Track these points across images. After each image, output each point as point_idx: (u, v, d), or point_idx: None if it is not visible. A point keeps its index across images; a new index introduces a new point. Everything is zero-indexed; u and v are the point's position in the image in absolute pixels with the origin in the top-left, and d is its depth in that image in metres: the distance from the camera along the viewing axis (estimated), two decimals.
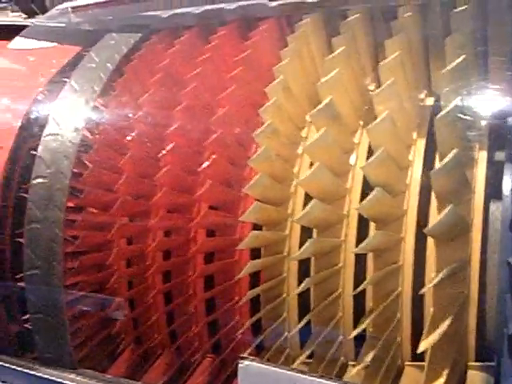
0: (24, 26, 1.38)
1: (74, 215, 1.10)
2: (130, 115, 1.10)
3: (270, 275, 1.02)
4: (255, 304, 1.06)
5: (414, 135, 1.02)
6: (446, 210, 0.86)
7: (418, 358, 0.99)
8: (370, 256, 0.99)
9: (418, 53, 1.09)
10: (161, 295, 1.09)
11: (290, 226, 1.02)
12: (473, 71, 0.97)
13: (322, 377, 0.84)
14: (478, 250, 0.91)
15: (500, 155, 0.97)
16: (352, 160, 1.02)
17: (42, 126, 1.16)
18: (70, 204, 1.10)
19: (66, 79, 1.21)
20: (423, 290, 0.91)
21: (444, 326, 0.87)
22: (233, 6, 1.18)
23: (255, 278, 1.05)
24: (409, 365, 1.01)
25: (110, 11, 1.30)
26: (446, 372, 0.90)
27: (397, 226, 0.97)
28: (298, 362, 0.96)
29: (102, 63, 1.19)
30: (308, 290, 1.01)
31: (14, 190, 1.20)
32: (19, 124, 1.21)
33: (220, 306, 1.06)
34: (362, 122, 1.06)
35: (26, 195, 1.15)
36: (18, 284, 1.17)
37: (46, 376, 1.10)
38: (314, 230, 1.01)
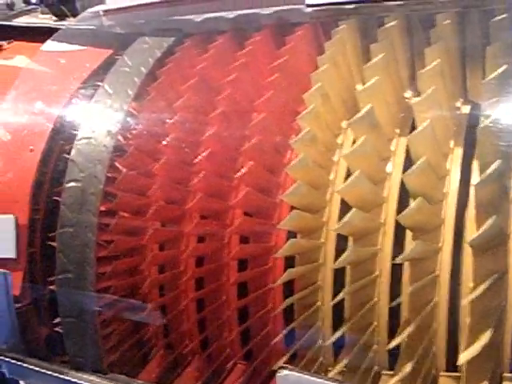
0: (54, 29, 1.39)
1: (107, 219, 1.09)
2: (165, 120, 1.09)
3: (304, 283, 1.01)
4: (288, 311, 1.05)
5: (452, 144, 1.02)
6: (488, 222, 0.85)
7: (452, 368, 0.98)
8: (405, 265, 0.98)
9: (455, 61, 1.08)
10: (193, 301, 1.08)
11: (326, 234, 1.01)
12: None
13: None
14: None
15: None
16: (389, 168, 1.01)
17: (75, 130, 1.16)
18: (103, 208, 1.09)
19: (98, 83, 1.21)
20: (465, 302, 0.90)
21: (485, 338, 0.86)
22: (267, 11, 1.17)
23: (288, 286, 1.05)
24: (444, 375, 1.00)
25: (142, 15, 1.29)
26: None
27: (434, 236, 0.96)
28: (334, 371, 0.95)
29: (136, 67, 1.18)
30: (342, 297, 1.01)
31: (46, 192, 1.20)
32: (51, 127, 1.21)
33: (253, 313, 1.05)
34: (398, 130, 1.05)
35: (58, 198, 1.15)
36: (49, 287, 1.17)
37: (76, 380, 1.10)
38: (350, 238, 1.01)
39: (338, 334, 0.96)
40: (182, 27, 1.26)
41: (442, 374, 1.00)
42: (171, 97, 1.13)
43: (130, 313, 1.12)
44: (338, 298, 0.95)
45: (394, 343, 0.91)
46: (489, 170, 0.86)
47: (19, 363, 1.15)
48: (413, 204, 0.90)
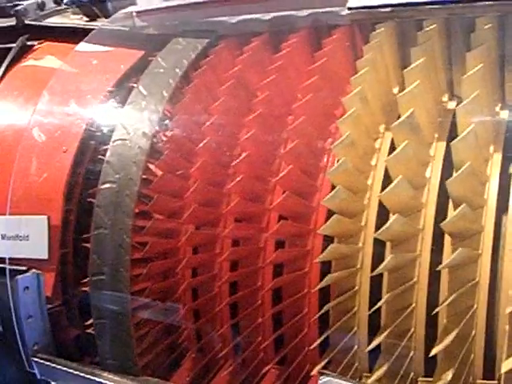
0: (86, 29, 1.38)
1: (142, 221, 1.09)
2: (201, 122, 1.09)
3: (341, 288, 1.01)
4: (322, 316, 1.04)
5: (491, 149, 1.01)
6: None
7: (489, 377, 0.97)
8: (444, 271, 0.97)
9: (494, 65, 1.07)
10: (227, 305, 1.08)
11: (364, 239, 1.01)
12: None
13: None
14: None
15: None
16: (428, 173, 1.01)
17: (109, 131, 1.16)
18: (138, 210, 1.09)
19: (132, 84, 1.21)
20: (506, 310, 0.89)
21: None
22: (303, 12, 1.16)
23: (322, 290, 1.04)
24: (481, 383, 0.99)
25: (175, 16, 1.29)
26: None
27: (474, 242, 0.95)
28: (374, 377, 0.94)
29: (171, 69, 1.18)
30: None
31: (78, 193, 1.20)
32: (84, 127, 1.20)
33: (288, 318, 1.04)
34: (436, 135, 1.04)
35: (91, 199, 1.15)
36: (81, 289, 1.17)
37: (108, 382, 1.10)
38: (387, 244, 1.00)
39: (377, 341, 0.95)
40: (215, 29, 1.25)
41: (479, 382, 0.99)
42: (207, 99, 1.13)
43: (163, 315, 1.11)
44: (377, 305, 0.94)
45: (435, 350, 0.90)
46: None
47: (51, 364, 1.15)
48: (457, 211, 0.89)
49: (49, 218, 1.17)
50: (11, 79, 1.36)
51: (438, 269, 0.92)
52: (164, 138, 1.11)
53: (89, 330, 1.14)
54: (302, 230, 1.02)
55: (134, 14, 1.31)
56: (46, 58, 1.40)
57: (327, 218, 1.03)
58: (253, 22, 1.21)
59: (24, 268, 1.16)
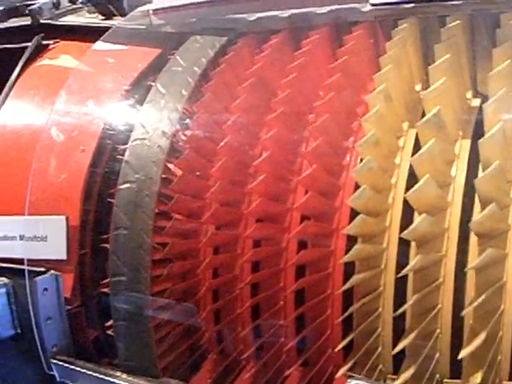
0: (102, 28, 1.37)
1: (162, 222, 1.07)
2: (222, 121, 1.07)
3: (365, 289, 0.99)
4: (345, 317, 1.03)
5: None
6: None
7: None
8: (470, 271, 0.96)
9: None
10: (249, 306, 1.06)
11: (388, 239, 0.99)
12: None
13: None
14: None
15: None
16: (453, 171, 0.99)
17: (127, 130, 1.14)
18: (158, 210, 1.07)
19: (150, 83, 1.20)
20: None
21: None
22: (324, 9, 1.15)
23: (345, 291, 1.02)
24: None
25: (192, 14, 1.28)
26: None
27: (501, 242, 0.93)
28: (400, 380, 0.93)
29: (189, 67, 1.16)
30: (403, 304, 0.98)
31: (97, 193, 1.19)
32: (102, 127, 1.19)
33: (311, 319, 1.03)
34: (461, 133, 1.02)
35: (110, 199, 1.14)
36: (100, 290, 1.16)
37: None
38: (412, 244, 0.98)
39: (403, 344, 0.93)
40: (233, 26, 1.24)
41: (504, 383, 0.98)
42: (227, 97, 1.11)
43: (184, 317, 1.10)
44: (403, 308, 0.93)
45: (464, 353, 0.89)
46: None
47: (70, 366, 1.14)
48: (485, 210, 0.87)
49: (67, 219, 1.15)
50: (27, 79, 1.35)
51: (466, 269, 0.90)
52: (184, 137, 1.09)
53: (108, 332, 1.13)
54: (325, 229, 1.00)
55: (151, 12, 1.30)
56: (62, 57, 1.39)
57: (350, 218, 1.02)
58: (271, 19, 1.20)
59: (42, 269, 1.15)
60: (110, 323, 1.12)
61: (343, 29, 1.16)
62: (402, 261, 0.98)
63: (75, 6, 1.50)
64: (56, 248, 1.16)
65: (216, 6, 1.26)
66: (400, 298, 1.00)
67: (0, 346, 1.17)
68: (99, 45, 1.27)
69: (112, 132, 1.18)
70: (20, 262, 1.17)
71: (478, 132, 1.00)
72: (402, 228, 0.98)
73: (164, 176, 1.08)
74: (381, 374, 1.02)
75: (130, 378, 1.09)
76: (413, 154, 1.01)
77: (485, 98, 1.09)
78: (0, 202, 1.22)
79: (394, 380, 1.00)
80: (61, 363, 1.15)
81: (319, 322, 1.02)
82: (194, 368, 1.14)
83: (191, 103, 1.12)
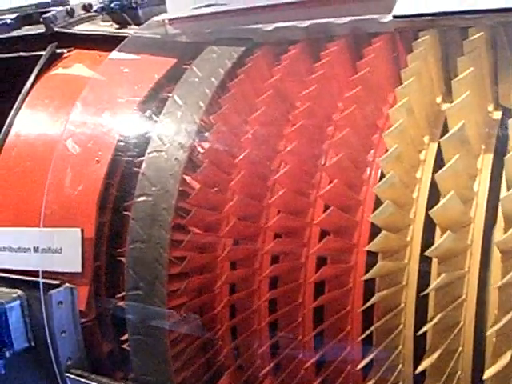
0: (117, 37, 1.36)
1: (180, 235, 1.06)
2: (240, 134, 1.06)
3: (386, 306, 0.97)
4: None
5: None
6: None
7: None
8: (493, 288, 0.94)
9: None
10: (267, 322, 1.04)
11: (409, 255, 0.97)
12: None
13: None
14: None
15: None
16: (476, 186, 0.97)
17: (144, 142, 1.13)
18: (175, 224, 1.06)
19: (167, 94, 1.18)
20: None
21: None
22: (342, 20, 1.13)
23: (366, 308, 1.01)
24: None
25: (208, 23, 1.26)
26: None
27: None
28: None
29: (206, 78, 1.15)
30: (424, 321, 0.97)
31: (112, 205, 1.18)
32: (117, 138, 1.18)
33: (331, 336, 1.01)
34: (483, 146, 1.01)
35: (125, 212, 1.13)
36: (115, 303, 1.15)
37: None
38: (434, 260, 0.97)
39: (425, 363, 0.92)
40: (250, 36, 1.22)
41: None
42: (245, 110, 1.10)
43: (201, 332, 1.09)
44: (425, 327, 0.91)
45: (489, 373, 0.87)
46: None
47: (84, 380, 1.12)
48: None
49: (82, 231, 1.14)
50: (41, 88, 1.34)
51: (494, 287, 0.88)
52: (201, 150, 1.08)
53: (123, 346, 1.12)
54: (345, 245, 0.99)
55: (167, 21, 1.29)
56: (76, 66, 1.38)
57: (370, 233, 1.00)
58: (289, 29, 1.19)
59: (57, 282, 1.13)
60: (125, 337, 1.11)
61: (362, 40, 1.15)
62: (424, 277, 0.96)
63: (89, 15, 1.49)
64: (71, 260, 1.15)
65: (232, 17, 1.25)
66: (421, 314, 0.98)
67: (14, 358, 1.16)
68: (115, 54, 1.26)
69: (128, 143, 1.17)
70: (34, 273, 1.16)
71: (501, 146, 0.98)
72: (423, 243, 0.97)
73: (181, 189, 1.06)
74: None
75: None
76: (434, 168, 1.00)
77: (506, 111, 1.08)
78: (14, 213, 1.21)
79: None
80: (75, 377, 1.14)
81: (339, 338, 1.00)
82: (211, 383, 1.12)
83: (209, 115, 1.11)
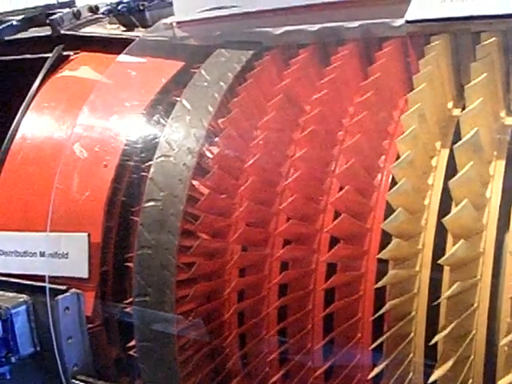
0: (124, 39, 1.35)
1: (188, 241, 1.05)
2: (250, 139, 1.05)
3: (397, 314, 0.96)
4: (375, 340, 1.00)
5: None
6: None
7: None
8: (505, 298, 0.93)
9: None
10: (275, 330, 1.03)
11: (421, 262, 0.96)
12: None
13: None
14: None
15: None
16: (488, 193, 0.96)
17: (151, 147, 1.12)
18: (184, 229, 1.05)
19: (174, 98, 1.17)
20: None
21: None
22: (353, 24, 1.12)
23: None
24: None
25: (216, 26, 1.25)
26: None
27: None
28: None
29: (215, 82, 1.14)
30: (435, 329, 0.96)
31: (119, 210, 1.17)
32: (125, 142, 1.17)
33: (341, 344, 1.00)
34: (495, 153, 1.00)
35: (133, 217, 1.12)
36: (122, 309, 1.14)
37: None
38: (446, 268, 0.96)
39: (438, 372, 0.91)
40: (260, 40, 1.21)
41: None
42: (254, 114, 1.09)
43: (209, 338, 1.07)
44: (438, 336, 0.90)
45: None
46: None
47: None
48: None
49: (89, 236, 1.13)
50: (48, 90, 1.33)
51: (510, 296, 0.87)
52: (210, 155, 1.07)
53: (130, 352, 1.11)
54: (356, 252, 0.98)
55: (175, 24, 1.28)
56: (82, 68, 1.37)
57: (381, 239, 0.99)
58: (298, 33, 1.17)
59: (63, 287, 1.13)
60: (131, 343, 1.10)
61: (372, 44, 1.14)
62: (435, 284, 0.95)
63: (96, 17, 1.48)
64: (77, 265, 1.14)
65: (241, 20, 1.24)
66: (432, 322, 0.97)
67: (19, 364, 1.15)
68: (123, 57, 1.25)
69: (135, 148, 1.16)
70: (40, 278, 1.15)
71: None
72: (435, 250, 0.96)
73: (190, 194, 1.05)
74: None
75: None
76: (446, 174, 0.99)
77: None
78: (21, 218, 1.20)
79: None
80: (81, 383, 1.13)
81: (349, 346, 0.99)
82: None
83: (217, 119, 1.10)
